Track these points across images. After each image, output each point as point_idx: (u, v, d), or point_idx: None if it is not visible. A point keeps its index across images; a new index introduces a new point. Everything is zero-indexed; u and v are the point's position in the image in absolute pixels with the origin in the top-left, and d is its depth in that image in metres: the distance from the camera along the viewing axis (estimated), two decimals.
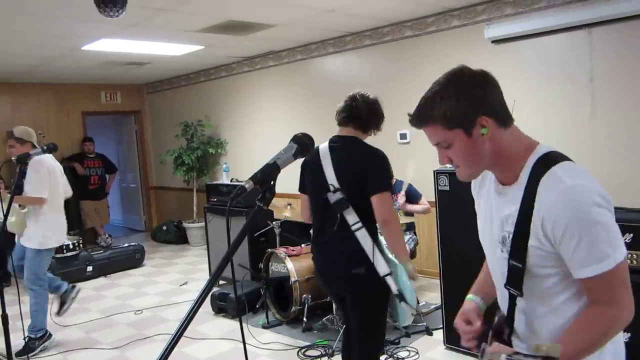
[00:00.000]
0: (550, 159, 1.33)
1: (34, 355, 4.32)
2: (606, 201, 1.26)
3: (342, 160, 2.65)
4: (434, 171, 3.82)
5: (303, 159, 2.74)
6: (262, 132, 7.64)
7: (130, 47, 6.16)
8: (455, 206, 3.73)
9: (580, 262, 1.26)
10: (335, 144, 2.72)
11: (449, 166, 1.47)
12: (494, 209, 1.46)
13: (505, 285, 1.42)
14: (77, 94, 9.06)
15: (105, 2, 3.57)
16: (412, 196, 4.92)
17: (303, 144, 1.53)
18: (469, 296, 1.67)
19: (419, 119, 1.40)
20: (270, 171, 1.43)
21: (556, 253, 1.30)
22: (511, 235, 1.36)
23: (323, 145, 2.73)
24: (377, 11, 5.29)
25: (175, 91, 9.28)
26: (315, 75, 6.84)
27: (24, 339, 4.30)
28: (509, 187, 1.40)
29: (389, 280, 2.54)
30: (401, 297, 2.57)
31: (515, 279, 1.37)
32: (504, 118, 1.37)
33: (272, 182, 1.43)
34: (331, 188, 2.61)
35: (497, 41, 4.97)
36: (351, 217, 2.57)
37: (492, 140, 1.35)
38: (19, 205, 4.38)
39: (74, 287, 4.87)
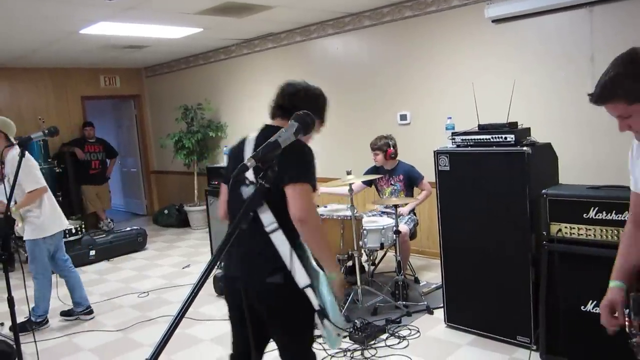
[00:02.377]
0: None
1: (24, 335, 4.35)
2: None
3: None
4: (434, 151, 3.83)
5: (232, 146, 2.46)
6: (262, 115, 7.58)
7: (129, 30, 6.12)
8: (456, 186, 3.75)
9: None
10: (259, 133, 2.37)
11: None
12: None
13: None
14: (76, 78, 9.02)
15: None
16: (414, 179, 4.94)
17: (304, 122, 1.54)
18: (614, 283, 1.75)
19: (601, 98, 1.59)
20: (272, 149, 1.43)
21: None
22: None
23: (252, 134, 2.40)
24: None
25: (175, 74, 9.24)
26: (315, 57, 6.80)
27: (25, 317, 4.37)
28: None
29: (309, 293, 2.09)
30: (323, 313, 2.11)
31: None
32: None
33: (273, 160, 1.44)
34: (246, 181, 2.14)
35: (497, 20, 4.94)
36: (266, 216, 2.11)
37: None
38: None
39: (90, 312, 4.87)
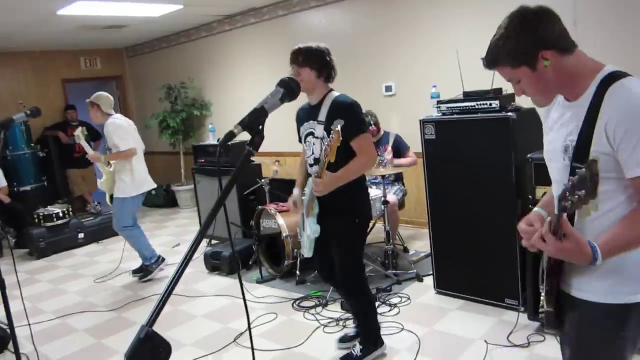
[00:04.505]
0: (618, 74, 1.47)
1: (147, 279, 5.19)
2: None
3: None
4: (420, 120, 3.84)
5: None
6: (246, 91, 7.56)
7: (107, 9, 6.02)
8: (442, 154, 3.77)
9: (636, 161, 1.37)
10: None
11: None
12: (558, 123, 1.59)
13: None
14: (55, 61, 8.86)
15: None
16: (400, 148, 4.95)
17: (289, 88, 1.54)
18: (535, 209, 1.75)
19: (487, 62, 1.56)
20: (258, 116, 1.43)
21: (614, 157, 1.42)
22: (574, 143, 1.49)
23: None
24: None
25: (156, 54, 9.12)
26: (298, 31, 6.74)
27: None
28: (574, 102, 1.53)
29: None
30: None
31: None
32: (565, 46, 1.48)
33: (260, 127, 1.44)
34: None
35: None
36: None
37: (557, 68, 1.47)
38: (107, 164, 5.07)
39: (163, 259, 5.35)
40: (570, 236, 1.33)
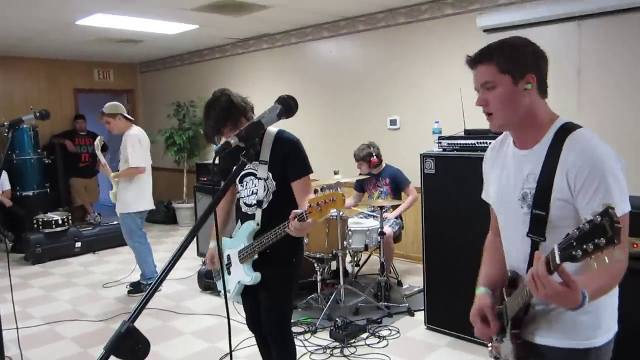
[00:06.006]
0: (573, 125, 1.55)
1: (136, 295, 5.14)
2: (622, 162, 1.48)
3: None
4: (421, 154, 3.88)
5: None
6: (254, 115, 7.65)
7: (125, 23, 6.14)
8: (440, 189, 3.80)
9: (594, 207, 1.35)
10: None
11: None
12: (512, 171, 1.62)
13: (527, 234, 1.54)
14: (69, 70, 9.02)
15: None
16: (400, 183, 4.99)
17: (287, 105, 1.59)
18: (481, 290, 1.77)
19: (481, 55, 1.57)
20: (255, 129, 1.47)
21: (573, 205, 1.46)
22: (533, 191, 1.52)
23: None
24: None
25: (169, 71, 9.26)
26: (309, 59, 6.86)
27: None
28: (528, 150, 1.58)
29: None
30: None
31: (539, 226, 1.51)
32: (543, 88, 1.57)
33: (256, 140, 1.48)
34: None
35: (489, 30, 5.01)
36: None
37: (531, 99, 1.54)
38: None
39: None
40: (572, 283, 1.27)
